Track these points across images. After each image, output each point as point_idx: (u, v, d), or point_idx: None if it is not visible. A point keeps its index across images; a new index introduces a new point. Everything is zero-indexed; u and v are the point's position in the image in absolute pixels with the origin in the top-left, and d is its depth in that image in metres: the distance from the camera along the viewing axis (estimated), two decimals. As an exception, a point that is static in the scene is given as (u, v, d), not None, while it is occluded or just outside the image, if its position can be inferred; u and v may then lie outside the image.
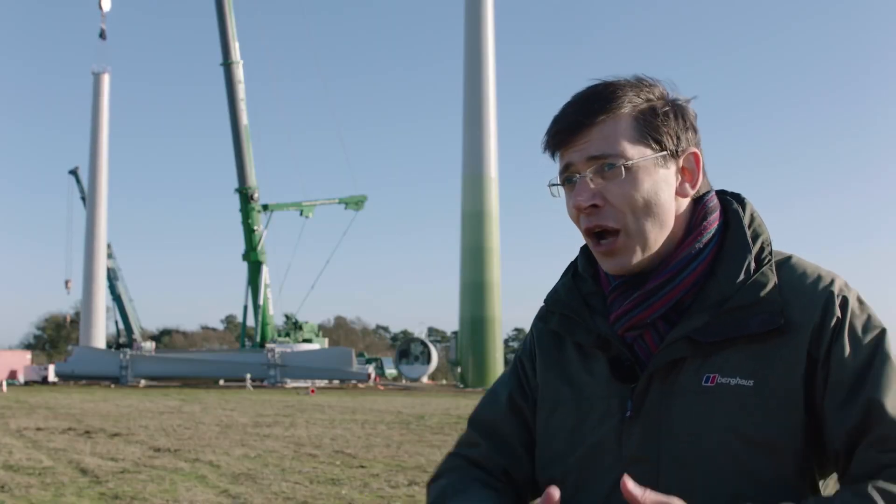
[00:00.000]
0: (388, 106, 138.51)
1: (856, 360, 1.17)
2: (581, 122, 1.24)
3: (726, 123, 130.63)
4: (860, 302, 1.23)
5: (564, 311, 1.37)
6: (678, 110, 1.29)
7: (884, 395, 1.13)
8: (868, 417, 1.13)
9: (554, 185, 1.30)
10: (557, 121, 1.28)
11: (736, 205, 1.32)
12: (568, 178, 1.27)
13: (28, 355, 52.44)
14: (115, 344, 59.33)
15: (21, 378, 47.18)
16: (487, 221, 43.67)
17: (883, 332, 1.20)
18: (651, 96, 1.28)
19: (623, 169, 1.22)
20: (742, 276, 1.23)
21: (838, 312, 1.19)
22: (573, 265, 1.42)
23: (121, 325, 61.69)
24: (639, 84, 1.28)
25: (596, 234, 1.26)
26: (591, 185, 1.23)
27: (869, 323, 1.20)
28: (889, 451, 1.11)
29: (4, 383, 37.40)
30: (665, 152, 1.25)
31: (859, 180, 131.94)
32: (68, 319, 77.37)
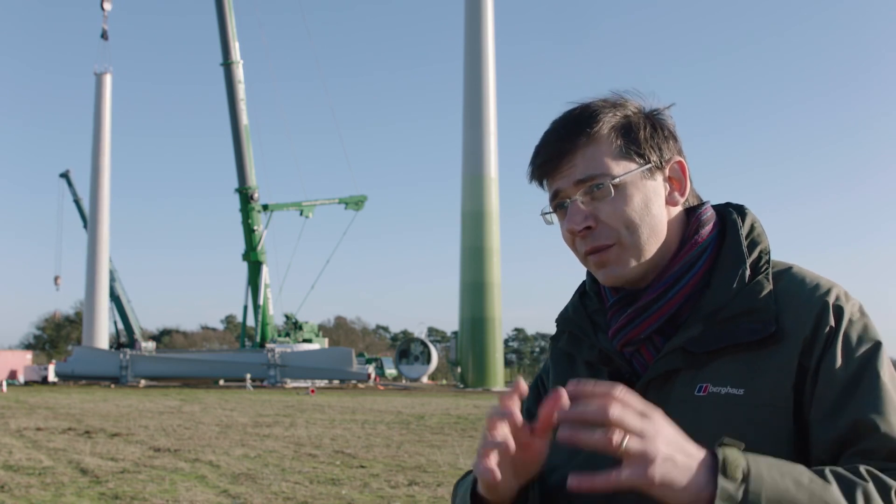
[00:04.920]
0: (388, 106, 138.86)
1: (846, 373, 1.16)
2: (563, 148, 1.26)
3: (727, 123, 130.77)
4: (861, 313, 1.22)
5: (573, 329, 1.40)
6: (656, 122, 1.31)
7: (872, 411, 1.12)
8: (854, 432, 1.13)
9: (546, 213, 1.33)
10: (540, 151, 1.30)
11: (735, 215, 1.33)
12: (559, 204, 1.29)
13: (28, 355, 52.42)
14: (115, 344, 59.30)
15: (21, 378, 47.21)
16: (487, 221, 43.66)
17: (877, 344, 1.18)
18: (628, 112, 1.30)
19: (611, 187, 1.24)
20: (736, 286, 1.24)
21: (832, 321, 1.19)
22: (582, 285, 1.45)
23: (120, 326, 61.67)
24: (614, 102, 1.30)
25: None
26: (583, 208, 1.25)
27: (864, 335, 1.19)
28: (873, 461, 1.10)
29: (4, 383, 37.40)
30: (650, 164, 1.27)
31: (857, 182, 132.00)
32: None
